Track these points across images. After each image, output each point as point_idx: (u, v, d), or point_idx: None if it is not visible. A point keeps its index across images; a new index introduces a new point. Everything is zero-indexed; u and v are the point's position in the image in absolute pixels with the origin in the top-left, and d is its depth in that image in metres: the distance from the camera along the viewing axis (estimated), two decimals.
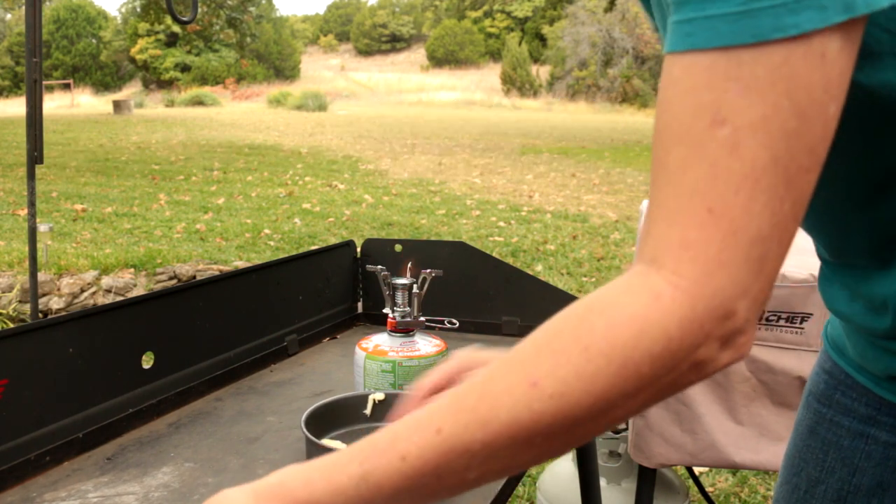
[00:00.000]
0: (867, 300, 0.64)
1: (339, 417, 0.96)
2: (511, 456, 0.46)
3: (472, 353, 0.63)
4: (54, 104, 25.18)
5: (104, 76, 44.58)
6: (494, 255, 1.92)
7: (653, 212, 0.44)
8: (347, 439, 0.91)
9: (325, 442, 0.89)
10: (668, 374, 0.43)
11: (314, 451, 0.84)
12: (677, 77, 0.43)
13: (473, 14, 54.48)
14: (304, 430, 0.87)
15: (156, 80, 43.08)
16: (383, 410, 0.95)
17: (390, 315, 1.08)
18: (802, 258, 1.13)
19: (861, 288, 0.64)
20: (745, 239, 0.41)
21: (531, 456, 0.46)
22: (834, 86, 0.41)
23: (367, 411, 0.97)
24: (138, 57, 42.91)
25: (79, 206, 6.32)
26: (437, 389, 0.64)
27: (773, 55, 0.40)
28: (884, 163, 0.54)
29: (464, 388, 0.47)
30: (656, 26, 0.66)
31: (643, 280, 0.43)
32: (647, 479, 1.56)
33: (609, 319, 0.43)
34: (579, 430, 0.45)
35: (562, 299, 1.35)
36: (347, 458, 0.48)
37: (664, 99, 0.44)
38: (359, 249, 1.53)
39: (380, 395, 0.98)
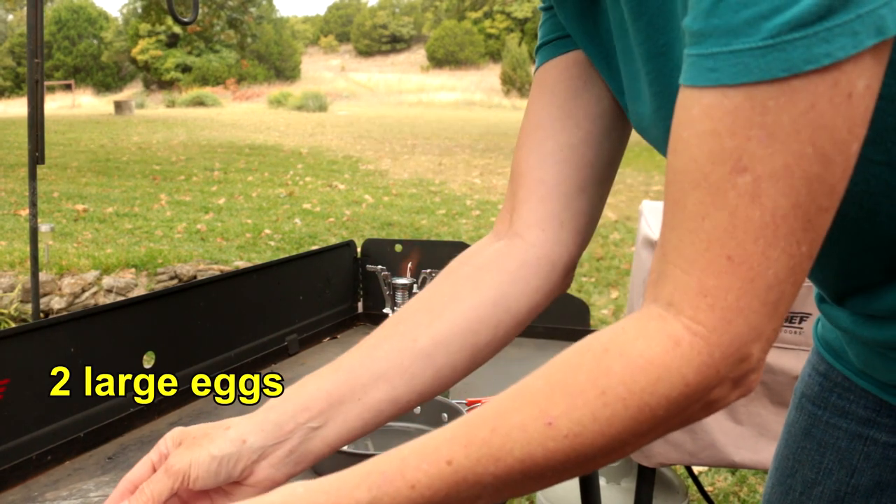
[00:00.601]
0: (877, 315, 0.63)
1: None
2: (521, 486, 0.46)
3: (178, 432, 0.61)
4: (56, 105, 25.19)
5: (105, 77, 44.60)
6: None
7: (669, 254, 0.44)
8: None
9: None
10: (681, 413, 0.44)
11: None
12: (696, 117, 0.41)
13: (473, 15, 54.49)
14: None
15: (157, 80, 43.11)
16: None
17: (390, 315, 1.08)
18: None
19: (873, 305, 0.63)
20: (762, 285, 0.41)
21: (541, 486, 0.47)
22: (858, 124, 0.41)
23: None
24: (139, 58, 42.93)
25: (80, 207, 6.32)
26: (139, 483, 0.60)
27: (799, 101, 0.39)
28: None
29: (474, 418, 0.47)
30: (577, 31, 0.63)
31: (661, 325, 0.43)
32: (647, 479, 1.57)
33: (626, 364, 0.43)
34: (590, 465, 0.45)
35: (560, 299, 1.35)
36: (354, 483, 0.47)
37: (681, 138, 0.43)
38: (359, 249, 1.53)
39: None
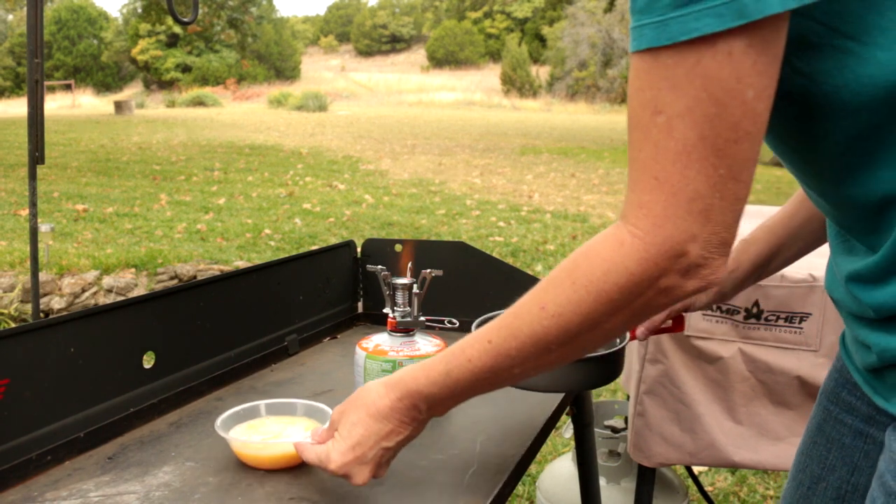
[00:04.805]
0: (849, 278, 0.71)
1: None
2: (538, 357, 0.63)
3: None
4: (56, 105, 25.17)
5: (105, 77, 44.54)
6: (494, 255, 1.92)
7: (627, 180, 0.58)
8: None
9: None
10: (637, 298, 0.57)
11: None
12: (632, 78, 0.55)
13: (473, 15, 54.44)
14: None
15: (157, 80, 43.06)
16: None
17: (390, 315, 1.08)
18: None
19: (841, 267, 0.71)
20: (684, 198, 0.53)
21: (554, 357, 0.63)
22: (748, 75, 0.51)
23: None
24: (139, 58, 42.88)
25: (80, 207, 6.32)
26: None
27: (687, 57, 0.51)
28: (839, 146, 0.60)
29: (508, 310, 0.65)
30: None
31: (614, 231, 0.58)
32: (647, 479, 1.56)
33: (588, 261, 0.59)
34: (580, 339, 0.61)
35: None
36: (438, 360, 0.70)
37: (629, 94, 0.56)
38: (359, 249, 1.53)
39: None
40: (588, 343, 0.62)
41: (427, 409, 0.72)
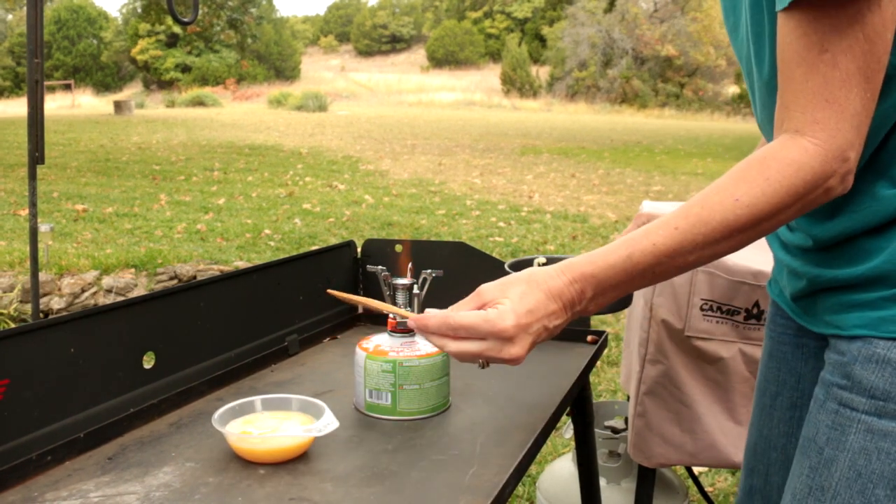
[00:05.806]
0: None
1: None
2: (718, 243, 0.73)
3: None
4: (55, 105, 25.16)
5: (105, 77, 44.52)
6: (494, 255, 1.92)
7: (789, 105, 0.73)
8: None
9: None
10: (811, 193, 0.71)
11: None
12: (793, 28, 0.71)
13: (473, 15, 54.46)
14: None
15: (156, 80, 43.06)
16: None
17: (390, 315, 1.08)
18: None
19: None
20: (848, 115, 0.70)
21: (730, 244, 0.74)
22: (889, 21, 0.69)
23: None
24: (139, 57, 42.88)
25: (80, 207, 6.32)
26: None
27: (848, 9, 0.68)
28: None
29: (688, 204, 0.75)
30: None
31: (794, 142, 0.72)
32: (647, 479, 1.57)
33: (779, 162, 0.72)
34: (759, 227, 0.72)
35: None
36: (617, 245, 0.76)
37: (785, 43, 0.72)
38: (359, 250, 1.53)
39: (542, 259, 1.14)
40: (762, 231, 0.73)
41: (591, 297, 0.77)
